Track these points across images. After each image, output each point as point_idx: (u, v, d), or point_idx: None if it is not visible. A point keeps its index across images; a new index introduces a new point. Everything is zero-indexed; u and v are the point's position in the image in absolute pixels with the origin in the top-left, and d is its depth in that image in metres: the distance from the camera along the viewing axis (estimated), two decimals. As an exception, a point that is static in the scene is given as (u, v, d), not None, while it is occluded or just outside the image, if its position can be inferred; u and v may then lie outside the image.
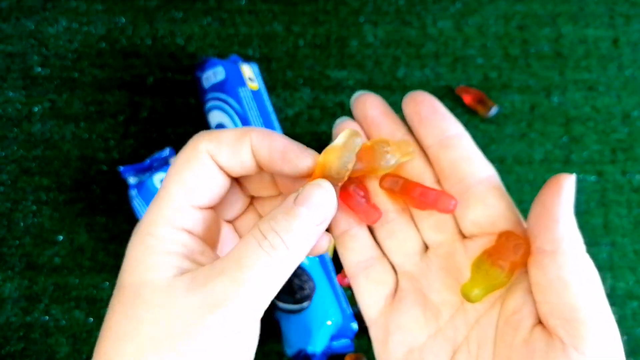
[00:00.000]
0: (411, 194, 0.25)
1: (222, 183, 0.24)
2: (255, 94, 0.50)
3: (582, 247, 0.22)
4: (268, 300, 0.21)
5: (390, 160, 0.26)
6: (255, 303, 0.20)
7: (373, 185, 0.27)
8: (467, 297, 0.23)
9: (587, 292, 0.21)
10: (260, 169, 0.24)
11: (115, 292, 0.22)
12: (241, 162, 0.23)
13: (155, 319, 0.20)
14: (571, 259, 0.22)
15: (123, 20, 0.57)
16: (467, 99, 0.54)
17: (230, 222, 0.28)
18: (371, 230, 0.27)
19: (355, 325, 0.46)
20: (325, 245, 0.25)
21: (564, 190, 0.21)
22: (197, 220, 0.23)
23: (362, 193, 0.26)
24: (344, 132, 0.25)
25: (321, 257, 0.46)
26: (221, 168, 0.23)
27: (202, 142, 0.23)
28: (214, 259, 0.23)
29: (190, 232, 0.23)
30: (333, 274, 0.47)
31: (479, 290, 0.23)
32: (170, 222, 0.22)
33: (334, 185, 0.23)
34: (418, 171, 0.27)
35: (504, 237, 0.24)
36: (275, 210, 0.22)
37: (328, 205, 0.22)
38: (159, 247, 0.22)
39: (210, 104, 0.50)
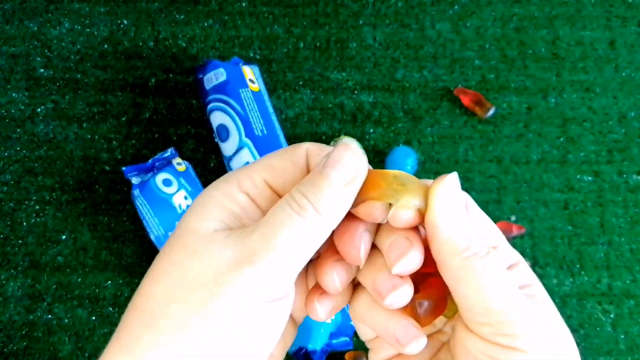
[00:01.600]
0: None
1: (303, 174, 0.24)
2: (256, 95, 0.51)
3: (485, 248, 0.22)
4: (299, 261, 0.21)
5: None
6: (285, 262, 0.21)
7: None
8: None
9: (503, 292, 0.21)
10: None
11: (171, 233, 0.23)
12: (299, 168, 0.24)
13: (188, 265, 0.21)
14: (477, 263, 0.21)
15: (125, 22, 0.58)
16: (465, 100, 0.55)
17: None
18: None
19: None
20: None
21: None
22: (262, 192, 0.23)
23: (425, 304, 0.23)
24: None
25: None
26: (309, 167, 0.24)
27: (306, 143, 0.24)
28: None
29: (252, 199, 0.23)
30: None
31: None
32: (238, 183, 0.23)
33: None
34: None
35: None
36: (306, 177, 0.22)
37: (356, 165, 0.22)
38: (217, 199, 0.22)
39: (211, 105, 0.51)
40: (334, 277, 0.23)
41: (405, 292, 0.22)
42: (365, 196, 0.22)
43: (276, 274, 0.21)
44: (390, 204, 0.22)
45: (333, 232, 0.23)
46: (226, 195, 0.23)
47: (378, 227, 0.24)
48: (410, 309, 0.23)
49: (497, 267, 0.22)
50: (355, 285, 0.25)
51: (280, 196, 0.23)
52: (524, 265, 0.24)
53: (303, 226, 0.21)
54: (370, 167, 0.23)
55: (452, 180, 0.22)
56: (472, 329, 0.22)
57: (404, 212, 0.22)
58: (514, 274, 0.23)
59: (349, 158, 0.22)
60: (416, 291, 0.23)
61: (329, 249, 0.24)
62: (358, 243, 0.23)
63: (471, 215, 0.24)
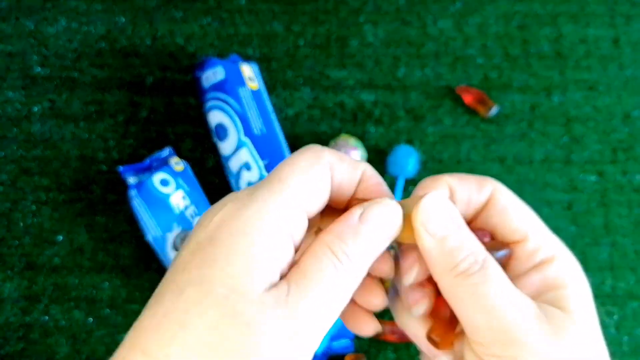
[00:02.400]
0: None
1: (328, 196, 0.23)
2: (255, 93, 0.50)
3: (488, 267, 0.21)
4: (332, 316, 0.20)
5: None
6: (326, 325, 0.20)
7: None
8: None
9: (503, 309, 0.20)
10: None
11: (183, 262, 0.19)
12: (352, 180, 0.23)
13: (240, 341, 0.18)
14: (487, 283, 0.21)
15: (123, 19, 0.57)
16: (468, 98, 0.54)
17: None
18: None
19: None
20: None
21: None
22: (300, 227, 0.21)
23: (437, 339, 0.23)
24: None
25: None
26: (332, 182, 0.23)
27: (325, 152, 0.22)
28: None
29: (293, 240, 0.21)
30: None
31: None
32: (284, 224, 0.20)
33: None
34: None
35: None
36: (340, 226, 0.21)
37: (392, 225, 0.22)
38: (267, 250, 0.19)
39: (209, 103, 0.50)
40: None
41: (424, 305, 0.23)
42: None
43: (313, 330, 0.20)
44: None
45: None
46: (278, 248, 0.20)
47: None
48: (429, 338, 0.23)
49: (495, 279, 0.20)
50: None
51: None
52: (560, 262, 0.23)
53: (339, 277, 0.20)
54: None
55: (428, 199, 0.22)
56: (476, 351, 0.21)
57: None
58: (537, 275, 0.22)
59: (386, 217, 0.22)
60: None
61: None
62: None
63: (496, 210, 0.23)
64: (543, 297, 0.22)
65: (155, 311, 0.19)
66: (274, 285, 0.19)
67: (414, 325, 0.24)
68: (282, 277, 0.20)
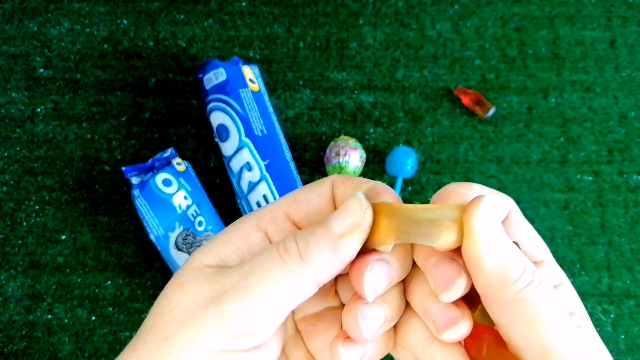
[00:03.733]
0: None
1: (324, 210, 0.22)
2: (256, 95, 0.51)
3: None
4: (274, 308, 0.19)
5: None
6: (257, 305, 0.19)
7: None
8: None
9: (563, 330, 0.19)
10: None
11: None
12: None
13: (171, 296, 0.20)
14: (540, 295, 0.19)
15: (125, 22, 0.58)
16: (466, 100, 0.55)
17: None
18: None
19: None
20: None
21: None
22: (282, 227, 0.22)
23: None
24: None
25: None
26: (334, 198, 0.22)
27: (333, 175, 0.23)
28: None
29: (269, 237, 0.22)
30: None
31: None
32: (258, 220, 0.22)
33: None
34: None
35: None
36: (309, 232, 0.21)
37: (357, 218, 0.20)
38: (228, 235, 0.21)
39: (211, 105, 0.51)
40: (358, 322, 0.20)
41: (465, 327, 0.20)
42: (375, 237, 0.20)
43: (244, 318, 0.19)
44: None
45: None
46: (239, 232, 0.21)
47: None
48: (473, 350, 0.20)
49: (555, 298, 0.19)
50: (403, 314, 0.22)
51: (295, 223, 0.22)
52: (567, 287, 0.22)
53: (283, 270, 0.19)
54: (398, 203, 0.21)
55: (489, 202, 0.19)
56: None
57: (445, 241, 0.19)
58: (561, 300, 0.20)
59: (350, 206, 0.20)
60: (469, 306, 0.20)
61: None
62: (363, 272, 0.20)
63: (516, 227, 0.21)
64: None
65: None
66: (228, 266, 0.21)
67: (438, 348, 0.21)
68: None
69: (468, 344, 0.21)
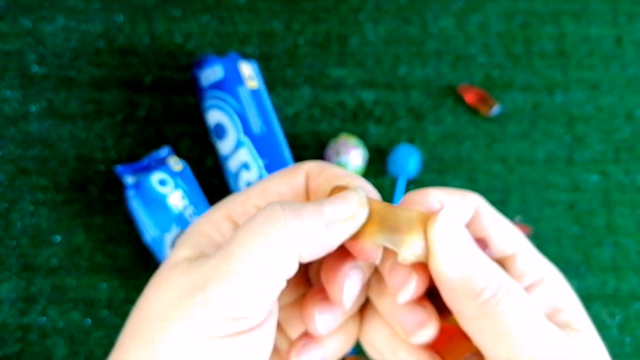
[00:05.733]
0: None
1: (300, 198, 0.22)
2: (255, 92, 0.50)
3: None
4: (260, 287, 0.18)
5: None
6: (242, 287, 0.18)
7: None
8: None
9: (536, 341, 0.18)
10: None
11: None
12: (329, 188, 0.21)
13: (149, 296, 0.19)
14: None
15: (121, 18, 0.57)
16: (469, 97, 0.54)
17: None
18: None
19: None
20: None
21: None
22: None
23: None
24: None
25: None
26: (308, 190, 0.22)
27: (306, 163, 0.22)
28: None
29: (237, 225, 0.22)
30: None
31: None
32: (228, 210, 0.21)
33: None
34: None
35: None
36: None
37: (349, 207, 0.19)
38: (200, 227, 0.21)
39: (208, 102, 0.50)
40: (314, 319, 0.21)
41: (432, 329, 0.20)
42: (362, 234, 0.20)
43: (233, 300, 0.18)
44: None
45: (322, 263, 0.21)
46: (210, 223, 0.21)
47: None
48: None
49: (526, 306, 0.18)
50: (365, 312, 0.23)
51: None
52: (551, 281, 0.21)
53: (264, 243, 0.18)
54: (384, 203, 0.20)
55: (446, 216, 0.19)
56: None
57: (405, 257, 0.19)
58: (537, 302, 0.20)
59: (350, 203, 0.19)
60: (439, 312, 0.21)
61: (319, 282, 0.22)
62: (342, 282, 0.20)
63: (485, 223, 0.21)
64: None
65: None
66: (205, 256, 0.20)
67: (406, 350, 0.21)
68: None
69: (444, 349, 0.21)
